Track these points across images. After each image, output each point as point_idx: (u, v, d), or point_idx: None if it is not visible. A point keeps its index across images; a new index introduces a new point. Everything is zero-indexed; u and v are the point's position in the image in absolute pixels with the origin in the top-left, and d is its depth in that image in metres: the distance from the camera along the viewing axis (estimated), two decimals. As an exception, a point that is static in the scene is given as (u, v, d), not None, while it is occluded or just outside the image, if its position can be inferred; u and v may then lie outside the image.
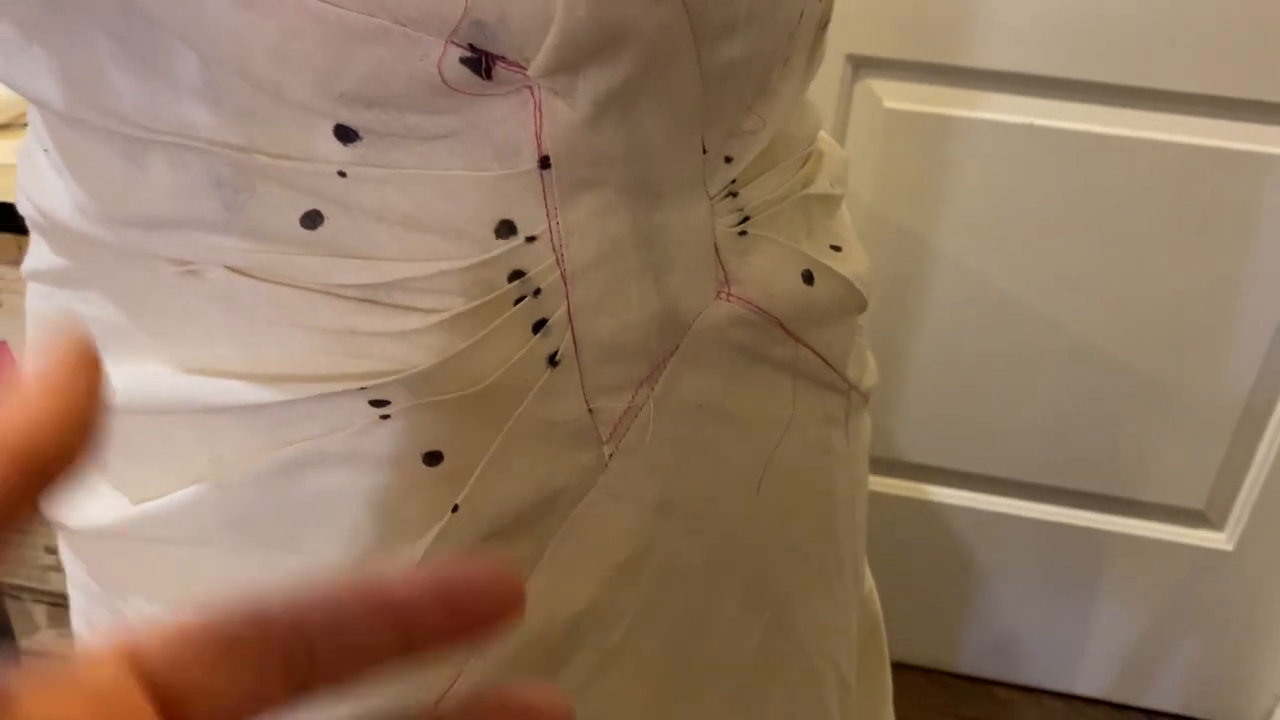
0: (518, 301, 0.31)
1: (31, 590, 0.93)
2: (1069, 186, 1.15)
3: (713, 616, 0.38)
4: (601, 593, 0.35)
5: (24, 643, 0.97)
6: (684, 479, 0.35)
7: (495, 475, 0.33)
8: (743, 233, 0.34)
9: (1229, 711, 1.42)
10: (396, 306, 0.31)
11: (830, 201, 0.38)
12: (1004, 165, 1.15)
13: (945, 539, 1.39)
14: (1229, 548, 1.31)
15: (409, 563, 0.34)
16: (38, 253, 0.40)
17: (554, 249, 0.31)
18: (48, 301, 0.40)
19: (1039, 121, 1.12)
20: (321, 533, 0.35)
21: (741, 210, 0.34)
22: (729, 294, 0.34)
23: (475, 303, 0.31)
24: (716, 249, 0.33)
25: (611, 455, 0.34)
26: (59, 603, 0.93)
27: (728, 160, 0.33)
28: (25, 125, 0.39)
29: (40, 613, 0.94)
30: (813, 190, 0.36)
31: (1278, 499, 1.26)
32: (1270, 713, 1.40)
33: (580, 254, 0.31)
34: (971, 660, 1.46)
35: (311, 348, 0.33)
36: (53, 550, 0.90)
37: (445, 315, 0.31)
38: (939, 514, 1.37)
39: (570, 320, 0.32)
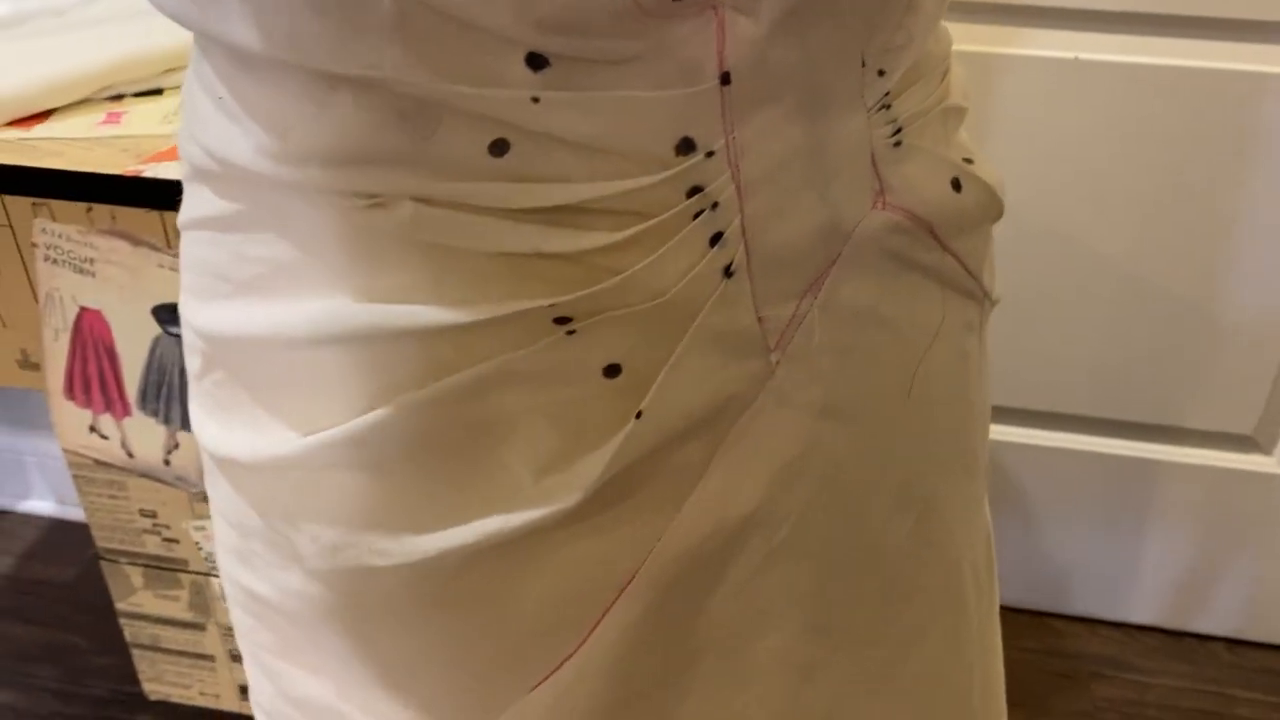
0: (696, 216, 0.33)
1: (128, 553, 0.96)
2: (1112, 118, 1.16)
3: (866, 516, 0.40)
4: (768, 494, 0.37)
5: (120, 605, 1.00)
6: (843, 384, 0.37)
7: (674, 384, 0.35)
8: (897, 143, 0.36)
9: (1277, 632, 1.44)
10: (581, 227, 0.33)
11: (962, 114, 0.40)
12: (1048, 100, 1.16)
13: (996, 475, 1.41)
14: (1278, 471, 1.33)
15: (589, 473, 0.36)
16: (199, 201, 0.42)
17: (730, 163, 0.33)
18: (215, 248, 0.42)
19: (1084, 55, 1.13)
20: (503, 449, 0.37)
21: (894, 122, 0.36)
22: (885, 202, 0.36)
23: (657, 219, 0.33)
24: (873, 159, 0.35)
25: (778, 362, 0.36)
26: (154, 565, 0.96)
27: (881, 74, 0.35)
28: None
29: (137, 575, 0.97)
30: (950, 103, 0.38)
31: (1326, 421, 1.27)
32: (1321, 633, 1.42)
33: (754, 167, 0.33)
34: (1026, 594, 1.48)
35: (497, 271, 0.35)
36: (148, 513, 0.93)
37: (629, 232, 0.33)
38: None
39: (744, 232, 0.34)
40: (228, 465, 0.46)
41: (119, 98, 0.84)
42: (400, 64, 0.32)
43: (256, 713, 0.61)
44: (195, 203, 0.43)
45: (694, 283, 0.34)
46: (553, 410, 0.36)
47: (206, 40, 0.38)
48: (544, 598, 0.40)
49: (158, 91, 0.85)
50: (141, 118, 0.82)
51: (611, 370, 0.35)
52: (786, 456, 0.37)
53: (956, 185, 0.38)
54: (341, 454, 0.40)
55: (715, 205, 0.33)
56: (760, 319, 0.35)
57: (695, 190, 0.33)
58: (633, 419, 0.35)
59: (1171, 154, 1.16)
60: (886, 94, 0.35)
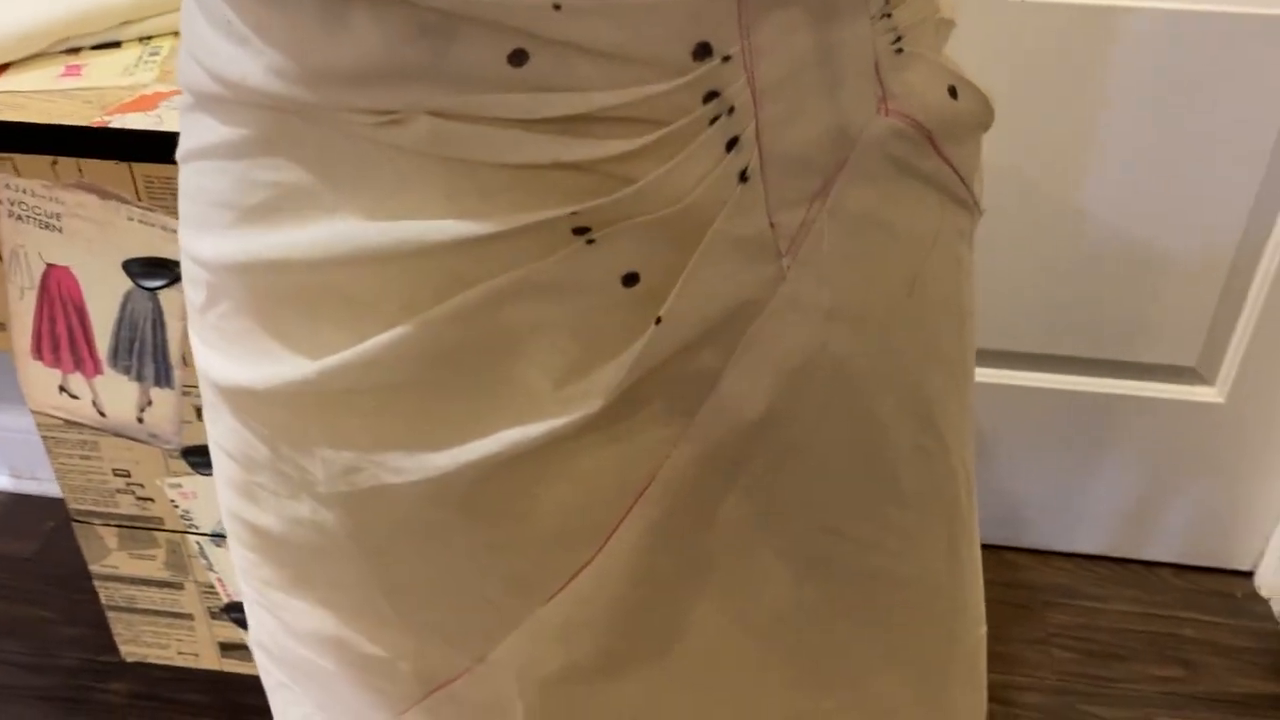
0: (713, 121, 0.34)
1: (101, 514, 0.96)
2: (1057, 59, 1.18)
3: (872, 418, 0.42)
4: (780, 396, 0.39)
5: (94, 567, 1.00)
6: (849, 288, 0.39)
7: (692, 289, 0.36)
8: (898, 50, 0.37)
9: (1222, 557, 1.51)
10: (599, 136, 0.34)
11: (950, 27, 0.42)
12: (995, 41, 1.18)
13: (951, 414, 1.44)
14: (1220, 400, 1.38)
15: (608, 381, 0.38)
16: (201, 130, 0.42)
17: (745, 68, 0.34)
18: (220, 176, 0.42)
19: (1026, -4, 1.15)
20: (523, 361, 0.38)
21: (895, 30, 0.37)
22: (888, 109, 0.37)
23: (675, 125, 0.34)
24: (876, 66, 0.37)
25: (789, 266, 0.37)
26: (129, 525, 0.96)
27: None
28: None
29: (111, 536, 0.97)
30: (942, 14, 0.40)
31: (1264, 351, 1.33)
32: (1261, 554, 1.49)
33: (769, 71, 0.34)
34: (981, 528, 1.52)
35: (514, 184, 0.36)
36: (121, 473, 0.92)
37: (648, 139, 0.34)
38: (945, 390, 1.43)
39: (758, 136, 0.35)
40: (235, 396, 0.46)
41: (75, 50, 0.83)
42: None
43: (256, 652, 0.62)
44: (197, 132, 0.43)
45: (710, 188, 0.35)
46: (572, 321, 0.37)
47: None
48: (562, 507, 0.41)
49: (115, 44, 0.84)
50: (101, 70, 0.81)
51: (630, 279, 0.36)
52: (797, 360, 0.39)
53: (953, 93, 0.39)
54: (359, 375, 0.40)
55: (731, 110, 0.34)
56: (773, 224, 0.37)
57: (712, 95, 0.34)
58: (652, 325, 0.36)
59: (1112, 92, 1.19)
60: (887, 2, 0.37)
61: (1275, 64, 1.15)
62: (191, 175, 0.44)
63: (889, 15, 0.37)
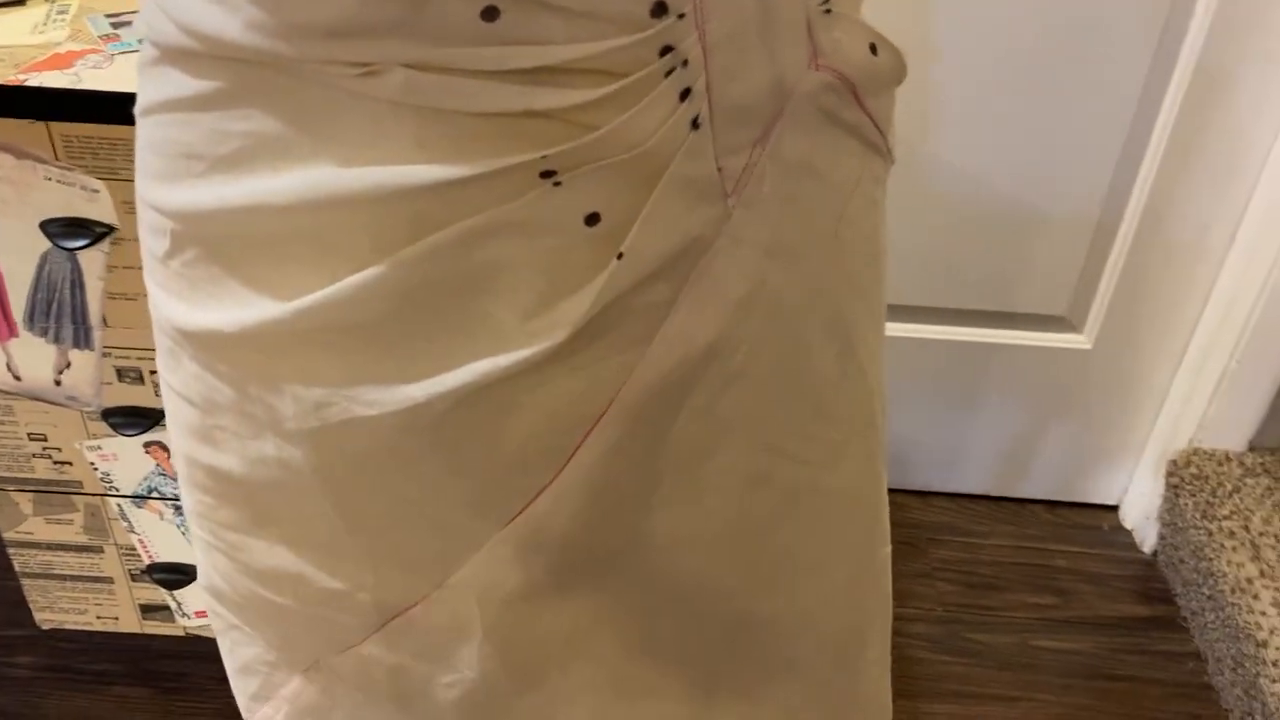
0: (668, 74, 0.38)
1: (15, 480, 0.95)
2: (942, 20, 1.25)
3: (802, 344, 0.46)
4: (725, 325, 0.43)
5: (9, 535, 0.99)
6: (785, 227, 0.43)
7: (649, 227, 0.40)
8: (827, 10, 0.42)
9: (1090, 493, 1.62)
10: (565, 86, 0.38)
11: None
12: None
13: (843, 366, 1.51)
14: (1088, 347, 1.48)
15: (573, 313, 0.41)
16: (166, 84, 0.44)
17: (696, 25, 0.38)
18: (187, 128, 0.44)
19: (913, -35, 1.21)
20: (491, 297, 0.42)
21: None
22: (818, 64, 0.42)
23: (634, 76, 0.38)
24: (808, 25, 0.41)
25: (734, 207, 0.41)
26: (45, 489, 0.95)
27: None
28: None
29: (26, 502, 0.96)
30: None
31: (1127, 300, 1.43)
32: (1124, 489, 1.61)
33: (717, 28, 0.38)
34: (871, 473, 1.61)
35: (483, 132, 0.39)
36: (37, 437, 0.92)
37: (610, 89, 0.38)
38: (837, 342, 1.50)
39: (708, 88, 0.39)
40: (200, 340, 0.48)
41: (-20, 9, 0.82)
42: None
43: (206, 597, 0.63)
44: (161, 85, 0.45)
45: (666, 134, 0.39)
46: (537, 259, 0.41)
47: None
48: (525, 434, 0.45)
49: (20, 1, 0.83)
50: (8, 28, 0.80)
51: (592, 219, 0.40)
52: (740, 292, 0.43)
53: (874, 49, 0.44)
54: (332, 314, 0.43)
55: (685, 63, 0.38)
56: (720, 168, 0.41)
57: (667, 50, 0.38)
58: (613, 260, 0.40)
59: (982, 49, 1.26)
60: None
61: (1138, 21, 1.23)
62: (156, 127, 0.46)
63: None
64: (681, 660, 0.53)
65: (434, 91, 0.38)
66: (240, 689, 0.65)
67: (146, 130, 0.47)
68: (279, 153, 0.42)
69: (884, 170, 0.48)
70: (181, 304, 0.48)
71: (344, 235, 0.42)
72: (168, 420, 0.57)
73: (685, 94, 0.39)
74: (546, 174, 0.39)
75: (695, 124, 0.39)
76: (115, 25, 0.80)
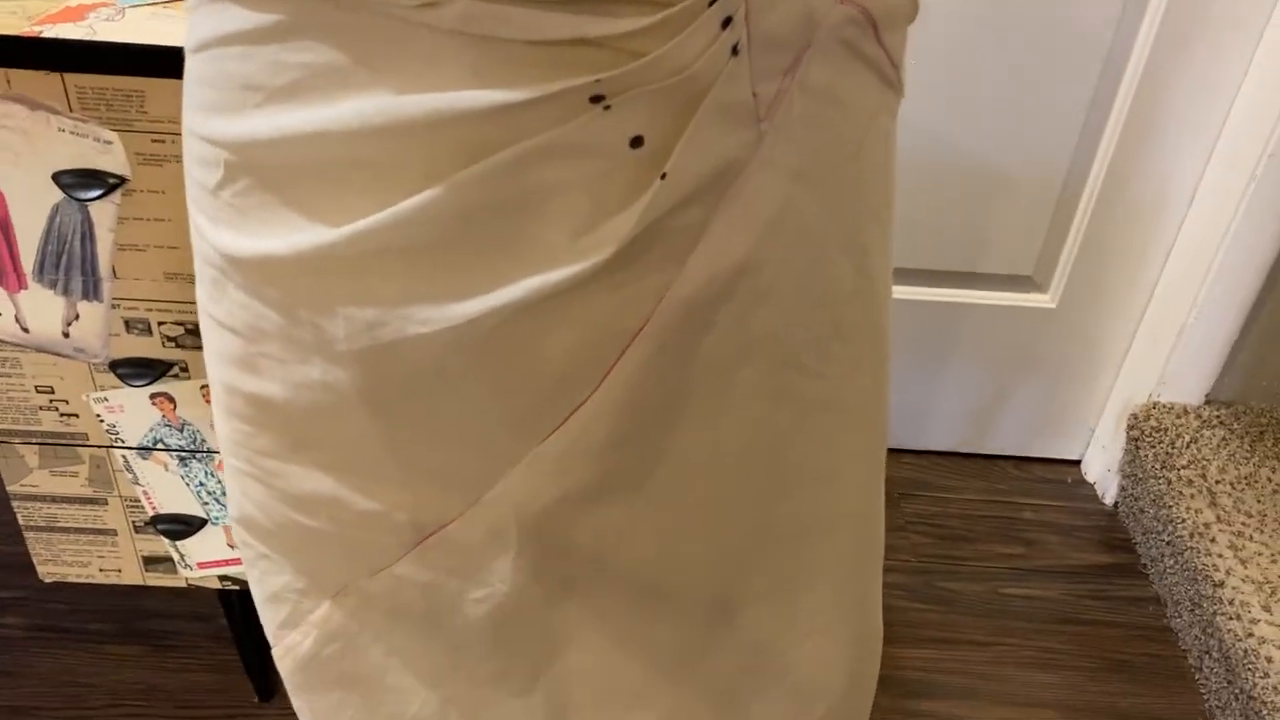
0: (712, 3, 0.41)
1: (21, 433, 0.96)
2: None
3: (823, 264, 0.50)
4: (755, 244, 0.46)
5: (13, 488, 1.00)
6: (810, 151, 0.47)
7: (690, 149, 0.43)
8: None
9: (1054, 448, 1.68)
10: (616, 15, 0.41)
11: None
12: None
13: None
14: (1053, 306, 1.54)
15: (618, 231, 0.44)
16: (224, 19, 0.46)
17: None
18: (245, 61, 0.46)
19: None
20: (541, 217, 0.44)
21: None
22: None
23: (681, 4, 0.41)
24: None
25: (765, 131, 0.45)
26: (51, 442, 0.97)
27: None
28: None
29: (32, 454, 0.97)
30: None
31: (1091, 261, 1.48)
32: (1086, 445, 1.67)
33: None
34: (845, 432, 1.65)
35: (536, 59, 0.42)
36: (44, 389, 0.93)
37: (658, 16, 0.41)
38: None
39: (746, 17, 0.42)
40: (251, 267, 0.51)
41: (-15, -37, 0.82)
42: None
43: (236, 528, 0.66)
44: (218, 21, 0.47)
45: (708, 61, 0.42)
46: (584, 180, 0.44)
47: None
48: (566, 350, 0.48)
49: (26, -43, 0.84)
50: (18, -18, 0.81)
51: (636, 141, 0.43)
52: (769, 212, 0.46)
53: None
54: (390, 237, 0.46)
55: None
56: (755, 94, 0.44)
57: None
58: (657, 181, 0.43)
59: (952, 19, 1.30)
60: None
61: (1101, -3, 1.28)
62: (211, 62, 0.48)
63: None
64: (704, 570, 0.57)
65: (491, 21, 0.41)
66: (268, 618, 0.68)
67: (200, 65, 0.49)
68: (336, 82, 0.44)
69: (896, 104, 0.52)
70: (232, 232, 0.50)
71: (398, 161, 0.45)
72: (206, 352, 0.59)
73: (726, 22, 0.42)
74: (596, 99, 0.42)
75: (735, 51, 0.42)
76: (123, -20, 0.82)
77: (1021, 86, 1.34)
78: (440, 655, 0.64)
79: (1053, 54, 1.32)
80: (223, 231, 0.51)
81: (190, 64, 0.50)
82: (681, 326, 0.48)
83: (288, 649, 0.68)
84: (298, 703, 0.72)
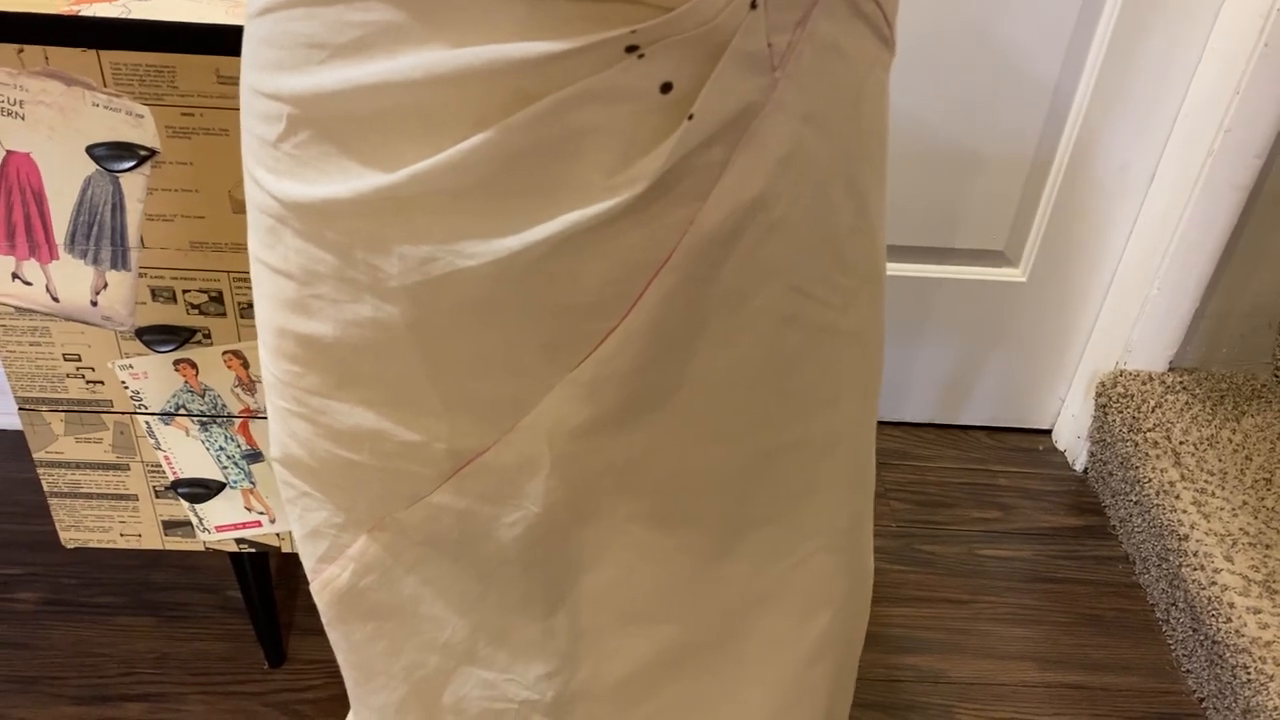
0: None
1: (48, 400, 1.00)
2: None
3: (829, 200, 0.55)
4: (769, 180, 0.52)
5: (39, 455, 1.04)
6: (817, 97, 0.52)
7: (714, 93, 0.49)
8: None
9: (1026, 418, 1.75)
10: None
11: None
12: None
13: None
14: (1023, 280, 1.60)
15: (649, 169, 0.50)
16: None
17: None
18: (309, 21, 0.51)
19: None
20: (578, 157, 0.50)
21: None
22: None
23: None
24: None
25: (779, 78, 0.50)
26: (76, 409, 1.01)
27: None
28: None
29: (58, 421, 1.01)
30: None
31: (1059, 235, 1.55)
32: (1056, 414, 1.74)
33: None
34: (826, 405, 1.72)
35: (577, 14, 0.47)
36: (71, 357, 0.98)
37: None
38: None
39: None
40: (309, 212, 0.55)
41: (18, -52, 0.87)
42: None
43: (280, 469, 0.71)
44: None
45: (730, 13, 0.47)
46: (619, 123, 0.49)
47: None
48: (600, 280, 0.53)
49: (54, -57, 0.88)
50: (51, -34, 0.85)
51: (666, 87, 0.49)
52: (782, 151, 0.52)
53: None
54: (442, 179, 0.51)
55: None
56: (769, 44, 0.49)
57: None
58: (684, 122, 0.49)
59: (935, 9, 1.37)
60: None
61: (1065, -18, 1.35)
62: (275, 23, 0.53)
63: None
64: (715, 488, 0.63)
65: None
66: (307, 553, 0.73)
67: (265, 27, 0.54)
68: (396, 39, 0.49)
69: (889, 59, 0.58)
70: (293, 181, 0.55)
71: (451, 109, 0.50)
72: (257, 298, 0.64)
73: None
74: (631, 48, 0.48)
75: (753, 5, 0.48)
76: (150, -37, 0.86)
77: (991, 71, 1.41)
78: (471, 583, 0.69)
79: (1019, 41, 1.39)
80: (284, 180, 0.56)
81: (252, 27, 0.55)
82: (702, 257, 0.53)
83: (325, 582, 0.73)
84: (333, 635, 0.77)
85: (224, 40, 0.79)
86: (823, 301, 0.58)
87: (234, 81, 0.84)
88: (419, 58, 0.49)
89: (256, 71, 0.55)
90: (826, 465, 0.64)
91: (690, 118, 0.49)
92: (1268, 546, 1.34)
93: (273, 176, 0.57)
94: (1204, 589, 1.31)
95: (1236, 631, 1.24)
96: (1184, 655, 1.37)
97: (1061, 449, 1.73)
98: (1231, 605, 1.27)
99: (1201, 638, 1.32)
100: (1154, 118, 1.45)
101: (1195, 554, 1.34)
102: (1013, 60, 1.41)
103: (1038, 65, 1.41)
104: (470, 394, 0.59)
